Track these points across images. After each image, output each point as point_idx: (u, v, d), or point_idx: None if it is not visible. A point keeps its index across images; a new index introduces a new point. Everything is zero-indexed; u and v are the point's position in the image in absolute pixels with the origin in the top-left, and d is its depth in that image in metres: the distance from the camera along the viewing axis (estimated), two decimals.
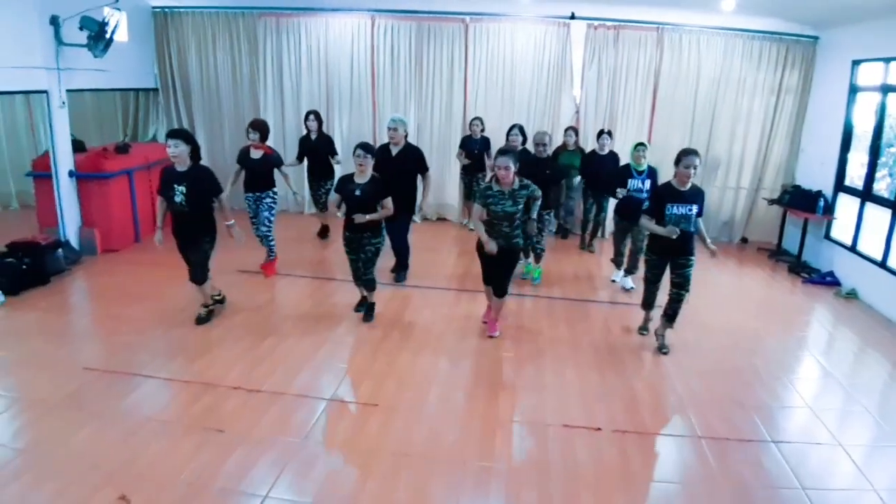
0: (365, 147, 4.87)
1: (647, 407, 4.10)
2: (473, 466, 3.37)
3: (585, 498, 3.16)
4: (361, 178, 4.86)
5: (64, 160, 6.49)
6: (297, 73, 8.67)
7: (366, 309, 5.29)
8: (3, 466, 3.19)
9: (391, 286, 6.05)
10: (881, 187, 6.61)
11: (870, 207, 6.59)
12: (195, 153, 4.70)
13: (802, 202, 7.32)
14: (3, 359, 4.37)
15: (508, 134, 6.55)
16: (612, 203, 7.16)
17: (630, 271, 6.35)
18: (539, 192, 4.69)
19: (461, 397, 4.12)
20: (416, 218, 5.64)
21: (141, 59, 8.32)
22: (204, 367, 4.34)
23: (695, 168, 4.49)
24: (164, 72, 8.70)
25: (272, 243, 6.23)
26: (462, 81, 8.48)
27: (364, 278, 5.14)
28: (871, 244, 6.49)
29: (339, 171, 7.04)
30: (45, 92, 6.14)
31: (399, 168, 5.72)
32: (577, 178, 7.81)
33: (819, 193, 7.15)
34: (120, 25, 6.39)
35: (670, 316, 4.85)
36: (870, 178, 6.62)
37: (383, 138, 6.30)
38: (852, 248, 6.75)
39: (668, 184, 4.67)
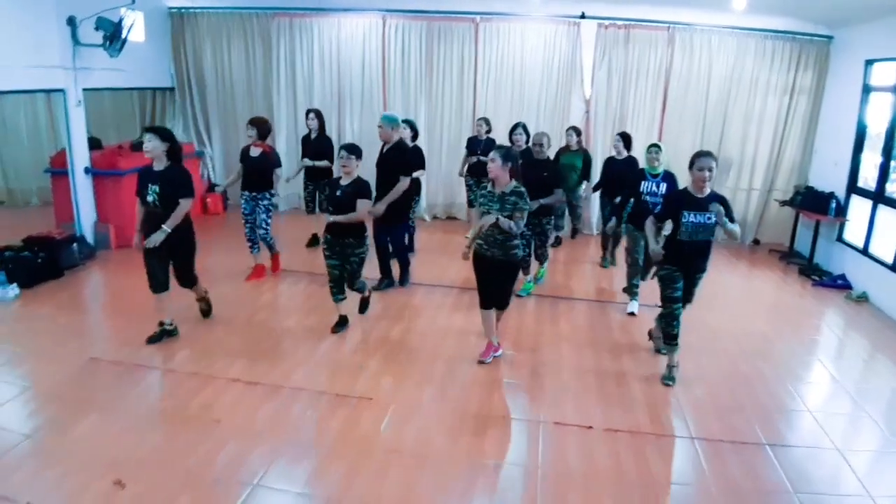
0: (349, 148, 4.76)
1: (641, 407, 4.10)
2: (463, 462, 3.41)
3: (573, 497, 3.19)
4: (346, 180, 4.73)
5: (80, 157, 6.67)
6: (309, 73, 8.78)
7: (360, 304, 5.22)
8: (10, 451, 3.32)
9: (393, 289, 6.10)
10: (894, 189, 6.50)
11: (882, 209, 6.49)
12: (173, 153, 4.46)
13: (814, 203, 7.23)
14: (15, 351, 4.53)
15: (512, 133, 6.33)
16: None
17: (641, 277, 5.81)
18: (527, 207, 4.22)
19: (454, 393, 4.16)
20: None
21: (157, 59, 8.50)
22: (206, 361, 4.44)
23: (710, 171, 4.06)
24: (180, 71, 8.88)
25: (272, 242, 6.15)
26: (472, 81, 8.52)
27: (352, 288, 4.99)
28: (884, 247, 6.39)
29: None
30: (62, 91, 6.33)
31: (384, 168, 5.67)
32: (583, 183, 7.58)
33: (831, 195, 7.05)
34: (135, 26, 6.53)
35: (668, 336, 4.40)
36: (882, 179, 6.52)
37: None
38: (864, 251, 6.66)
39: (684, 190, 4.31)
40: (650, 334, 4.98)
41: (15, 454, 3.30)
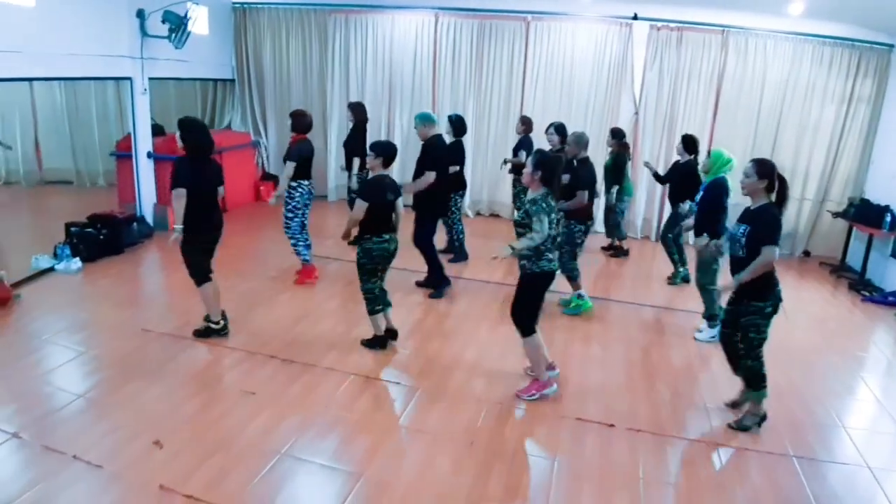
0: (371, 146, 4.55)
1: (667, 409, 4.09)
2: (481, 447, 3.50)
3: (587, 490, 3.23)
4: (371, 176, 4.55)
5: (143, 142, 7.08)
6: (362, 68, 9.01)
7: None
8: (64, 407, 3.63)
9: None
10: None
11: None
12: (187, 147, 4.33)
13: (869, 217, 6.96)
14: (75, 319, 4.90)
15: (546, 133, 6.23)
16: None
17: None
18: (537, 224, 3.74)
19: (481, 382, 4.25)
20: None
21: (220, 51, 8.91)
22: (247, 337, 4.69)
23: (745, 175, 3.75)
24: (240, 64, 9.28)
25: (294, 246, 5.78)
26: (521, 80, 8.56)
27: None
28: None
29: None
30: (129, 79, 6.74)
31: (417, 164, 5.72)
32: (613, 187, 7.12)
33: (887, 208, 6.77)
34: (198, 19, 6.88)
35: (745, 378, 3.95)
36: None
37: (444, 132, 6.49)
38: None
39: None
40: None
41: (66, 411, 3.60)
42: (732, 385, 4.42)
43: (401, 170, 9.00)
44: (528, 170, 3.89)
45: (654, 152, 8.31)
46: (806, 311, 6.29)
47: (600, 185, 7.03)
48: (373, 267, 4.47)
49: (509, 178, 7.94)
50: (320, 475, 3.20)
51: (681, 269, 6.58)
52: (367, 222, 4.37)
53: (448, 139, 6.29)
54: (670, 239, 6.47)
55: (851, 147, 7.80)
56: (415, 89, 8.93)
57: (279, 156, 9.37)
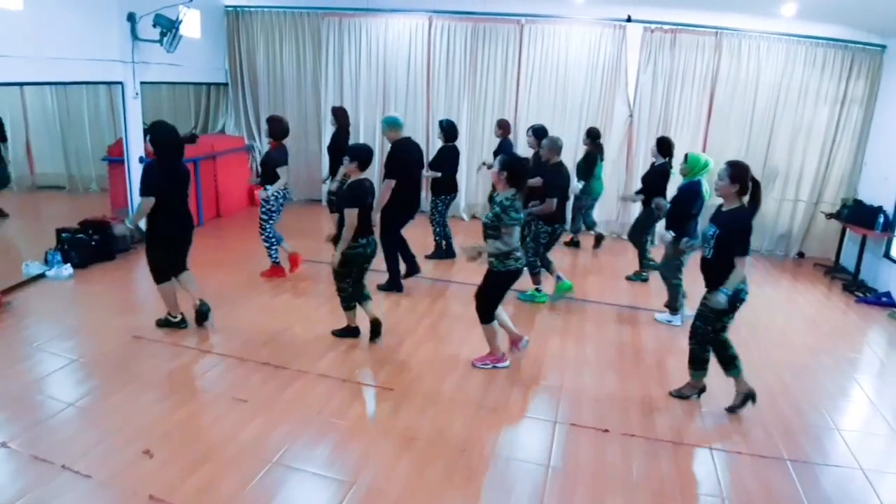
0: (347, 151, 4.59)
1: (662, 414, 4.08)
2: (475, 454, 3.49)
3: (580, 496, 3.22)
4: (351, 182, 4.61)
5: (135, 147, 7.03)
6: (356, 71, 9.00)
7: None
8: (54, 415, 3.59)
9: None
10: None
11: None
12: (159, 149, 4.45)
13: (862, 218, 6.99)
14: (66, 326, 4.86)
15: (527, 135, 6.43)
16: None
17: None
18: (510, 222, 4.06)
19: (475, 388, 4.24)
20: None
21: (213, 55, 8.87)
22: (239, 344, 4.66)
23: (718, 178, 3.88)
24: (233, 67, 9.25)
25: (267, 246, 5.96)
26: (515, 83, 8.57)
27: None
28: None
29: None
30: (120, 83, 6.69)
31: (384, 169, 5.84)
32: (580, 183, 7.39)
33: (880, 209, 6.80)
34: (189, 22, 6.84)
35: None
36: None
37: (436, 137, 6.58)
38: None
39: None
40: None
41: (56, 420, 3.56)
42: (729, 388, 4.43)
43: None
44: (494, 169, 4.15)
45: (647, 155, 8.27)
46: (800, 313, 6.31)
47: (575, 185, 7.20)
48: (348, 267, 4.58)
49: (487, 181, 8.01)
50: (312, 483, 3.18)
51: (644, 273, 6.73)
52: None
53: (440, 143, 6.42)
54: (644, 239, 6.58)
55: (845, 148, 7.82)
56: (409, 92, 8.92)
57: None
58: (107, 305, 5.31)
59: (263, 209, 5.80)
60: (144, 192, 4.40)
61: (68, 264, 5.90)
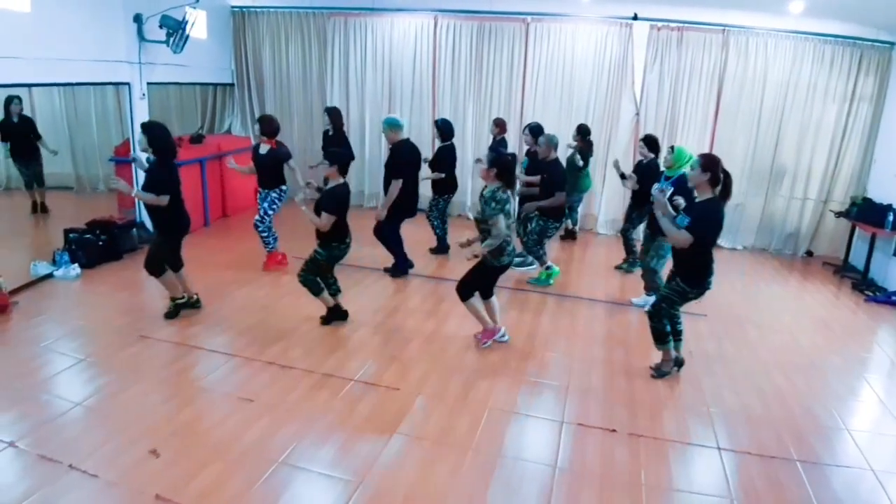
0: (326, 155, 4.77)
1: (670, 414, 4.06)
2: (482, 453, 3.48)
3: (587, 496, 3.20)
4: (330, 185, 4.75)
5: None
6: (362, 71, 9.00)
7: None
8: (62, 415, 3.61)
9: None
10: None
11: None
12: (158, 149, 4.63)
13: (871, 216, 6.93)
14: (73, 326, 4.88)
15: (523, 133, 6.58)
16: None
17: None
18: (492, 213, 4.31)
19: (481, 388, 4.22)
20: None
21: (219, 56, 8.89)
22: (246, 344, 4.66)
23: (691, 168, 4.08)
24: (239, 67, 9.26)
25: (264, 235, 6.16)
26: (520, 82, 8.53)
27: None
28: None
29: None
30: (127, 84, 6.72)
31: (386, 171, 6.09)
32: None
33: (889, 207, 6.73)
34: (196, 24, 6.86)
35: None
36: None
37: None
38: None
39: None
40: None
41: (64, 420, 3.57)
42: (736, 390, 4.41)
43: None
44: (483, 166, 4.37)
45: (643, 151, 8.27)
46: (809, 312, 6.25)
47: None
48: (324, 267, 4.87)
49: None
50: (319, 483, 3.18)
51: (630, 264, 6.92)
52: (331, 231, 4.67)
53: (438, 143, 6.62)
54: (630, 231, 6.83)
55: (853, 146, 7.76)
56: (414, 92, 8.91)
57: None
58: (114, 305, 5.32)
59: (276, 206, 6.04)
60: (156, 190, 4.59)
61: (76, 264, 5.93)
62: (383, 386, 4.19)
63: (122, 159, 7.13)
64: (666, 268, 4.96)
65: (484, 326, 4.79)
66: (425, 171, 6.69)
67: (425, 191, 7.21)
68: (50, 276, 5.80)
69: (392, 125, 6.02)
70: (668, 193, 5.08)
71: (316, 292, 4.90)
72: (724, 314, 5.84)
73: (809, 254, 8.24)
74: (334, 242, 4.76)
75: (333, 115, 7.24)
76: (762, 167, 8.04)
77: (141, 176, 7.03)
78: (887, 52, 7.41)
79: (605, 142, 8.31)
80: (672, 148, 5.51)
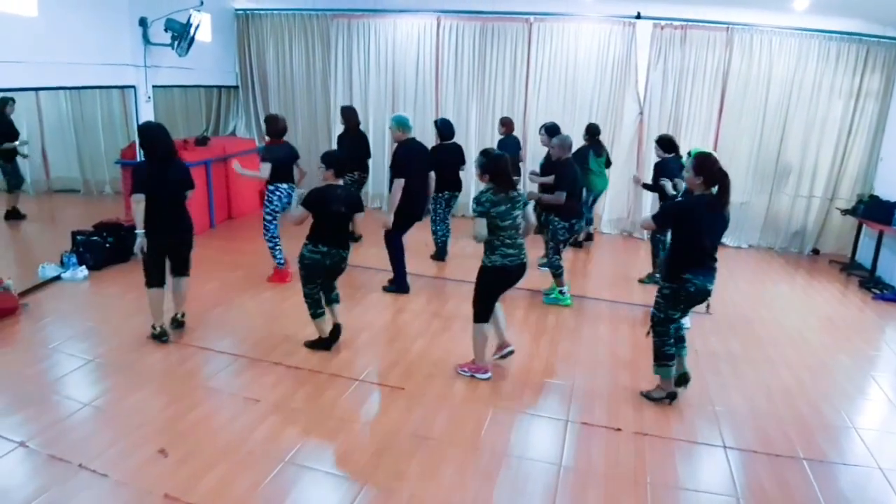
0: (322, 157, 4.50)
1: (675, 412, 4.05)
2: (487, 452, 3.49)
3: (592, 495, 3.21)
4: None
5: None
6: (365, 72, 9.02)
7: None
8: (71, 415, 3.64)
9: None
10: None
11: None
12: (145, 151, 4.53)
13: (878, 213, 6.90)
14: (82, 328, 4.92)
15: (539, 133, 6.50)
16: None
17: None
18: (474, 212, 4.03)
19: (486, 387, 4.23)
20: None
21: (223, 58, 8.94)
22: (252, 345, 4.69)
23: (685, 171, 3.97)
24: (244, 70, 9.31)
25: (270, 247, 5.94)
26: (524, 82, 8.54)
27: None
28: None
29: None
30: (132, 87, 6.76)
31: (390, 171, 5.85)
32: None
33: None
34: (202, 26, 6.90)
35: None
36: None
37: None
38: None
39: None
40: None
41: (73, 420, 3.61)
42: (742, 388, 4.40)
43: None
44: (476, 171, 4.21)
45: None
46: (816, 311, 6.23)
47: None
48: (307, 273, 4.50)
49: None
50: (325, 482, 3.19)
51: (656, 274, 6.46)
52: (310, 231, 4.45)
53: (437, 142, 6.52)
54: (659, 239, 6.29)
55: (860, 143, 7.72)
56: (418, 92, 8.93)
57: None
58: (121, 307, 5.35)
59: (267, 209, 5.78)
60: (133, 189, 4.40)
61: (83, 266, 5.98)
62: (388, 386, 4.21)
63: (128, 162, 7.17)
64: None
65: (476, 359, 4.35)
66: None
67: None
68: (58, 278, 5.85)
69: (399, 123, 5.77)
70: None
71: (313, 314, 4.59)
72: (730, 313, 5.83)
73: (816, 252, 8.21)
74: (309, 243, 4.43)
75: (345, 113, 7.21)
76: (767, 165, 8.02)
77: None
78: (894, 49, 7.37)
79: (608, 141, 8.25)
80: (689, 153, 5.23)
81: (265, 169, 5.58)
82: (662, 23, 7.87)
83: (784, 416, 4.07)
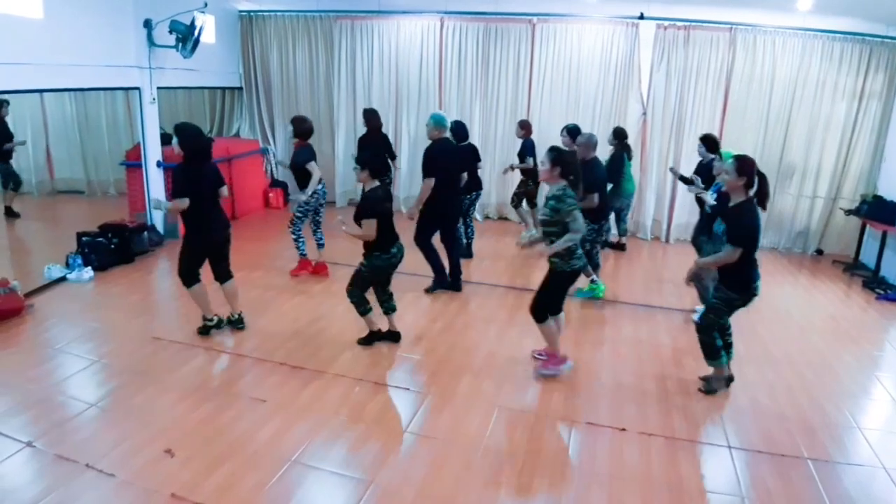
0: (357, 160, 4.53)
1: (680, 412, 4.05)
2: (491, 452, 3.49)
3: (597, 496, 3.21)
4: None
5: (153, 151, 7.12)
6: (368, 73, 9.04)
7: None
8: (77, 415, 3.66)
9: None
10: None
11: None
12: (186, 151, 4.41)
13: (882, 213, 6.89)
14: (87, 328, 4.94)
15: (561, 135, 6.47)
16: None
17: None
18: (566, 208, 3.96)
19: (491, 387, 4.24)
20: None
21: (227, 60, 8.98)
22: (257, 344, 4.71)
23: (725, 173, 3.92)
24: (247, 71, 9.33)
25: (294, 239, 6.09)
26: (527, 82, 8.56)
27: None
28: None
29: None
30: (137, 89, 6.79)
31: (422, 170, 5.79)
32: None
33: None
34: (206, 28, 6.92)
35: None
36: None
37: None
38: None
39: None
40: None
41: (79, 420, 3.63)
42: (746, 388, 4.40)
43: (409, 174, 9.04)
44: (545, 167, 4.05)
45: (662, 152, 8.28)
46: (819, 310, 6.23)
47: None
48: (372, 277, 4.58)
49: (514, 180, 8.01)
50: (331, 482, 3.20)
51: None
52: (374, 239, 4.41)
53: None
54: (702, 241, 5.94)
55: (863, 143, 7.71)
56: (421, 94, 8.94)
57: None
58: (127, 307, 5.38)
59: (300, 209, 5.96)
60: (176, 192, 4.41)
61: (88, 267, 6.00)
62: (393, 385, 4.22)
63: (132, 163, 7.21)
64: None
65: (553, 351, 4.39)
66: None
67: None
68: (63, 279, 5.87)
69: (437, 122, 5.72)
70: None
71: (361, 311, 4.60)
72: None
73: (819, 252, 8.19)
74: (376, 251, 4.46)
75: (367, 115, 7.29)
76: (770, 165, 7.99)
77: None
78: None
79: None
80: (720, 156, 5.16)
81: (315, 168, 5.81)
82: (666, 23, 7.88)
83: (788, 416, 4.07)
